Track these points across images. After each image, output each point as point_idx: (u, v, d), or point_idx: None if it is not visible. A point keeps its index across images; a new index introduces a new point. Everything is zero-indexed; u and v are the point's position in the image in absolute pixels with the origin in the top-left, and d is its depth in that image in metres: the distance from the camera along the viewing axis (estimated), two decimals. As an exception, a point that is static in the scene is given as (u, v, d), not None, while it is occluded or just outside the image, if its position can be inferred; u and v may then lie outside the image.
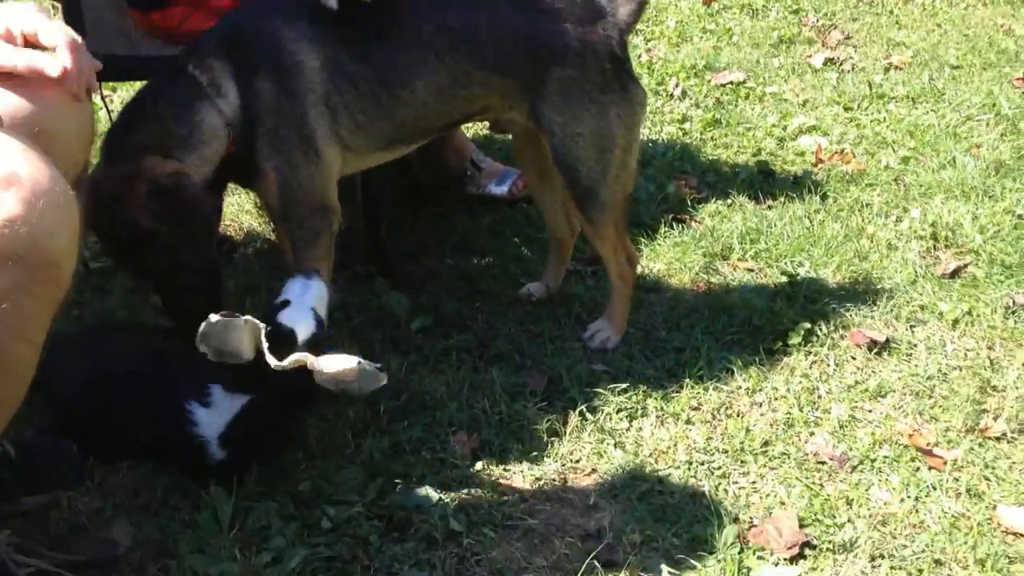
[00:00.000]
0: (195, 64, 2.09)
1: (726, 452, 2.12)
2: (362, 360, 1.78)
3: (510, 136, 2.86)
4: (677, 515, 1.95)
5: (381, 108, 2.16)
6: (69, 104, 1.60)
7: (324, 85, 2.11)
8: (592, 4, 2.23)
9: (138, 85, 3.56)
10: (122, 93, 3.57)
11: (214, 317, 1.74)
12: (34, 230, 1.26)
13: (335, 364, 1.78)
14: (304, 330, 1.88)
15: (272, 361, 1.77)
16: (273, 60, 2.09)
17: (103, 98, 2.65)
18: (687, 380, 2.31)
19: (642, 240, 2.88)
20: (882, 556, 1.87)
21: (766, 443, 2.15)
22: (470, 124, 3.02)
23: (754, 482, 2.05)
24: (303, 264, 2.18)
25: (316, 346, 1.87)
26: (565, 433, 2.16)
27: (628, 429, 2.18)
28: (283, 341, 1.84)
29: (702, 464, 2.09)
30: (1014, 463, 2.10)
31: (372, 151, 2.23)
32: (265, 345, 1.79)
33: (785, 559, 1.85)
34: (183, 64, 2.10)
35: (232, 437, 1.92)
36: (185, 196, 2.01)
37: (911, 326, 2.54)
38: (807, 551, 1.88)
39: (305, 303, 1.93)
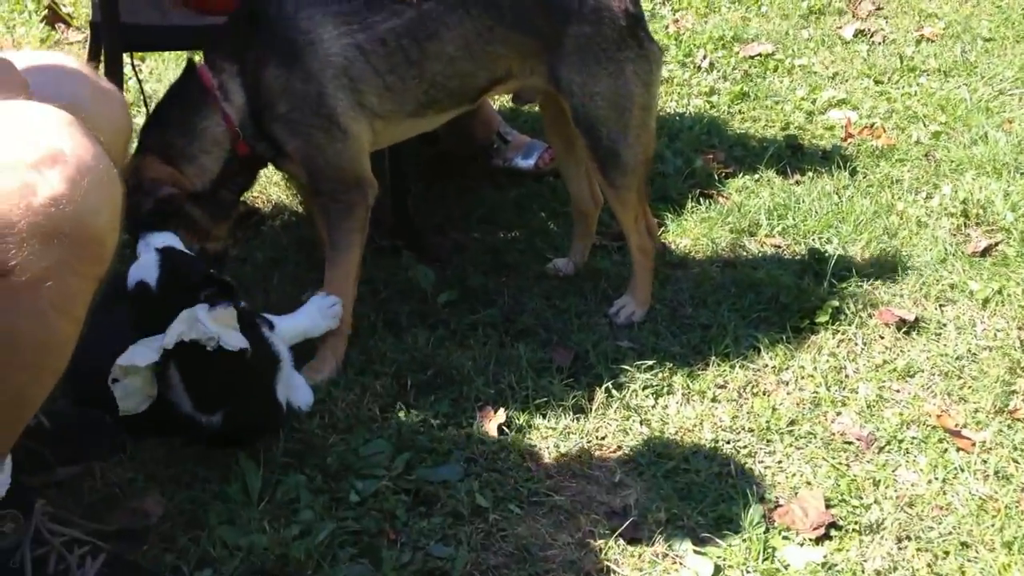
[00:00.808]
0: (209, 64, 2.15)
1: (752, 431, 2.12)
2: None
3: (537, 108, 2.84)
4: (703, 493, 1.95)
5: (411, 64, 2.16)
6: (102, 94, 1.60)
7: (344, 56, 2.10)
8: None
9: (167, 55, 3.59)
10: (151, 63, 3.58)
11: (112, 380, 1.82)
12: (79, 208, 1.27)
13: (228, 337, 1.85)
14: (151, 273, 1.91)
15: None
16: (283, 46, 2.10)
17: (134, 68, 2.65)
18: (713, 357, 2.31)
19: (668, 215, 2.86)
20: (908, 538, 1.87)
21: (792, 422, 2.14)
22: (496, 96, 3.00)
23: (780, 461, 2.05)
24: (336, 236, 2.20)
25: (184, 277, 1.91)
26: (591, 409, 2.16)
27: (654, 406, 2.18)
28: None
29: (728, 443, 2.09)
30: (1043, 446, 2.09)
31: (403, 117, 2.23)
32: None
33: (811, 539, 1.85)
34: (197, 65, 2.16)
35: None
36: (161, 197, 2.09)
37: (940, 305, 2.52)
38: (833, 532, 1.88)
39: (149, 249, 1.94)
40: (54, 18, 3.80)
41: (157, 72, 3.56)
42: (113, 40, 2.36)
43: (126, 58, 2.52)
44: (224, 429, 1.94)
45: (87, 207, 1.28)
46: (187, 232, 2.13)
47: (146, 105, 2.82)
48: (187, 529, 1.82)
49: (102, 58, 2.41)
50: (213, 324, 1.83)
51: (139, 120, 2.98)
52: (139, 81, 2.80)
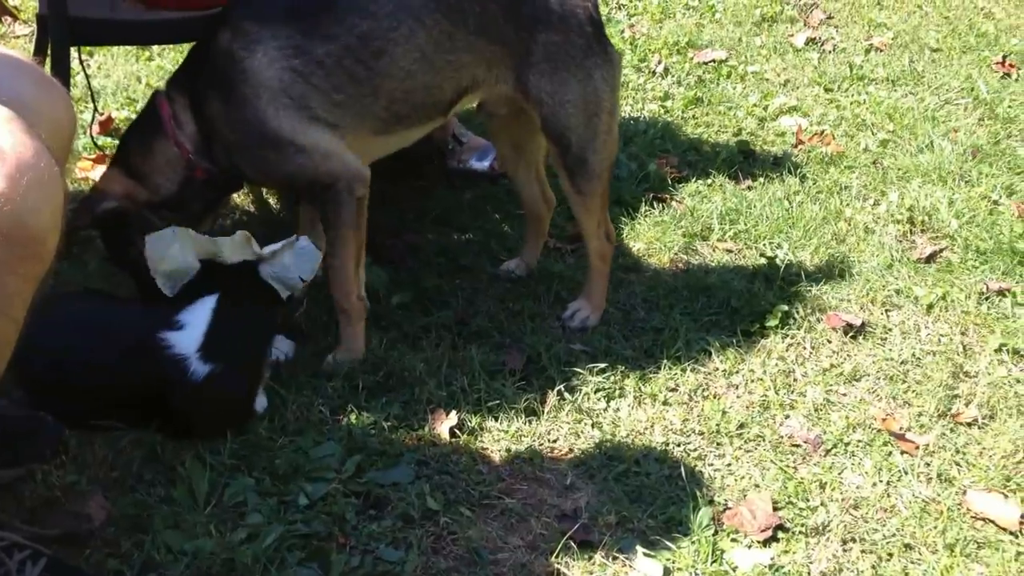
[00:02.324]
0: (166, 94, 2.18)
1: (702, 434, 2.14)
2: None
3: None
4: (653, 496, 1.97)
5: (359, 83, 2.13)
6: (45, 88, 1.56)
7: (279, 79, 2.08)
8: None
9: (116, 50, 3.53)
10: (99, 57, 3.51)
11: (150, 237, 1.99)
12: (18, 207, 1.24)
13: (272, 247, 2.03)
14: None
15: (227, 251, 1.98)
16: (220, 77, 2.10)
17: (81, 63, 2.59)
18: (665, 361, 2.33)
19: (622, 219, 2.87)
20: (853, 540, 1.90)
21: (742, 425, 2.17)
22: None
23: (729, 464, 2.07)
24: (328, 234, 2.21)
25: None
26: (543, 412, 2.16)
27: (606, 409, 2.19)
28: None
29: (678, 445, 2.11)
30: (984, 449, 2.13)
31: (368, 134, 2.19)
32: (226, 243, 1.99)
33: (758, 542, 1.87)
34: (158, 95, 2.20)
35: (210, 348, 1.95)
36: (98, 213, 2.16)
37: (886, 310, 2.57)
38: (780, 534, 1.90)
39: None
40: (0, 11, 3.72)
41: (105, 67, 3.50)
42: (60, 34, 2.31)
43: (73, 52, 2.47)
44: (198, 395, 1.94)
45: (27, 206, 1.25)
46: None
47: (94, 100, 2.77)
48: (131, 533, 1.78)
49: (49, 52, 2.36)
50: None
51: (86, 116, 2.94)
52: (87, 76, 2.75)
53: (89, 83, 2.81)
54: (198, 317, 1.99)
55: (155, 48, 3.67)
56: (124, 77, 3.44)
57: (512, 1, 2.19)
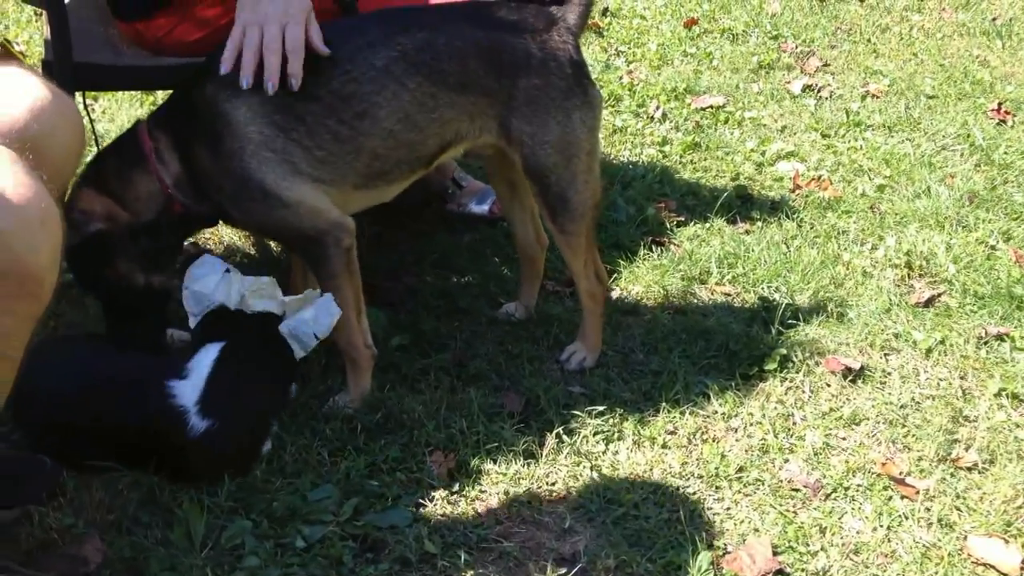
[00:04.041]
0: (148, 130, 2.16)
1: (701, 477, 2.13)
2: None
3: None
4: (652, 540, 1.95)
5: (342, 142, 2.13)
6: (60, 116, 1.58)
7: (261, 133, 2.08)
8: (544, 12, 2.27)
9: (120, 95, 3.57)
10: (103, 102, 3.56)
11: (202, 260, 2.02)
12: (17, 247, 1.25)
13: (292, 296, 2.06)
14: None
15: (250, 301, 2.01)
16: (205, 125, 2.10)
17: (86, 107, 2.63)
18: (664, 404, 2.32)
19: (621, 262, 2.89)
20: (854, 585, 1.89)
21: (741, 469, 2.16)
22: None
23: (728, 508, 2.06)
24: (322, 284, 2.20)
25: None
26: (542, 455, 2.16)
27: (604, 452, 2.19)
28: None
29: (677, 489, 2.10)
30: (985, 494, 2.12)
31: (350, 189, 2.19)
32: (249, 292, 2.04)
33: (758, 586, 1.86)
34: (139, 126, 2.18)
35: (210, 401, 1.95)
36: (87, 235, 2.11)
37: (885, 354, 2.57)
38: (780, 579, 1.89)
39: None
40: (6, 56, 3.76)
41: (110, 112, 3.54)
42: (65, 79, 2.35)
43: (78, 97, 2.50)
44: (201, 445, 1.93)
45: (25, 245, 1.26)
46: (131, 263, 2.13)
47: (97, 144, 2.79)
48: (127, 576, 1.78)
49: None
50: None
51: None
52: (91, 120, 2.78)
53: (93, 128, 2.84)
54: (203, 365, 1.99)
55: (159, 93, 3.71)
56: (128, 121, 3.48)
57: (492, 52, 2.20)
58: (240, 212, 2.17)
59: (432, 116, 2.19)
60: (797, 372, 2.46)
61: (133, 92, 3.63)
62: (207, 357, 2.01)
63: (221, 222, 2.32)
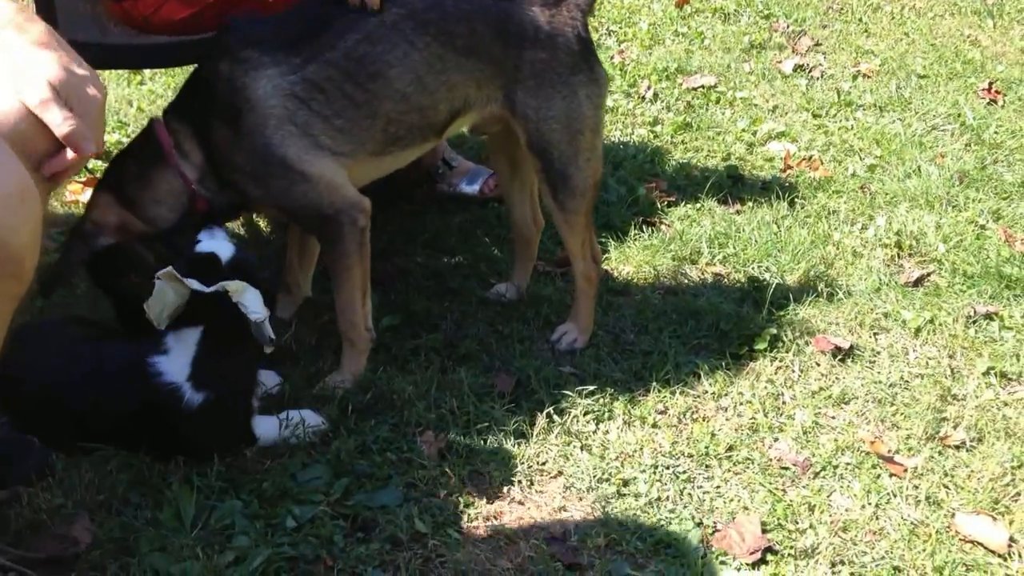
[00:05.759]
0: (166, 124, 2.16)
1: (691, 456, 2.14)
2: (266, 321, 1.90)
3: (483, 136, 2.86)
4: (642, 519, 1.96)
5: (358, 106, 2.15)
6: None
7: (284, 107, 2.10)
8: None
9: (107, 73, 3.54)
10: (89, 80, 3.52)
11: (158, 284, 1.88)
12: None
13: (252, 303, 1.89)
14: (225, 252, 1.98)
15: (195, 285, 1.86)
16: (223, 105, 2.11)
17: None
18: (654, 384, 2.33)
19: (611, 243, 2.89)
20: (842, 562, 1.90)
21: (731, 448, 2.17)
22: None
23: (718, 487, 2.07)
24: (332, 264, 2.22)
25: (248, 275, 1.93)
26: (532, 435, 2.16)
27: (595, 432, 2.19)
28: (207, 266, 1.93)
29: (667, 468, 2.11)
30: (972, 471, 2.13)
31: (367, 156, 2.21)
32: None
33: (747, 564, 1.87)
34: (155, 123, 2.18)
35: (200, 376, 1.93)
36: (96, 249, 2.13)
37: (875, 333, 2.58)
38: (769, 556, 1.89)
39: (218, 236, 2.01)
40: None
41: (98, 91, 3.50)
42: (51, 57, 2.32)
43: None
44: (197, 419, 1.92)
45: (5, 225, 1.25)
46: (145, 272, 2.12)
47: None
48: (117, 556, 1.77)
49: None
50: (261, 310, 1.90)
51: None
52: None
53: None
54: (185, 342, 1.98)
55: (146, 72, 3.69)
56: (115, 101, 3.46)
57: (500, 20, 2.22)
58: (260, 189, 2.16)
59: (441, 79, 2.20)
60: (787, 351, 2.46)
61: (120, 71, 3.61)
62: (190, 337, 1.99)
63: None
